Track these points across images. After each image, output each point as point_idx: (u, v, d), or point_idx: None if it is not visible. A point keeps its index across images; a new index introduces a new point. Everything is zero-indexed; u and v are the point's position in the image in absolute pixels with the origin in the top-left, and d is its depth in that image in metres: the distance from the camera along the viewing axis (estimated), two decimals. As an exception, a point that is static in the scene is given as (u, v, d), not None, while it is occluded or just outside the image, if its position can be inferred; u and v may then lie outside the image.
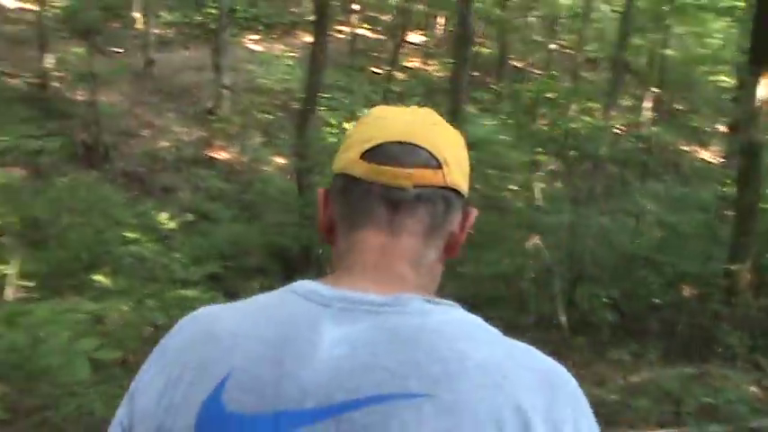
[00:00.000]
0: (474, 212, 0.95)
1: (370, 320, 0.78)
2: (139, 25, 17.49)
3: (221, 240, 10.26)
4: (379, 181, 0.87)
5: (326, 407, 0.73)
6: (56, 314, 2.49)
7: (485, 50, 20.04)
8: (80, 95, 14.00)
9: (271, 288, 0.89)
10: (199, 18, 19.34)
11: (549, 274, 8.00)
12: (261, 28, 20.12)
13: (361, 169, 0.88)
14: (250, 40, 19.46)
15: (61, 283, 5.18)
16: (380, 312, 0.79)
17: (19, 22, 16.74)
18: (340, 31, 20.92)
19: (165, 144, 13.88)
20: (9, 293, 4.59)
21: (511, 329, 0.96)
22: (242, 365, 0.78)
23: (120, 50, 17.18)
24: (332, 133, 13.84)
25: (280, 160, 13.98)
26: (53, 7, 16.82)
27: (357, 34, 19.86)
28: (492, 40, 20.85)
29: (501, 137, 9.94)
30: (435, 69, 19.95)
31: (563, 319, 7.80)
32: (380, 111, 0.96)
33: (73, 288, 5.33)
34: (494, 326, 0.84)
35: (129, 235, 6.00)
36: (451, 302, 0.84)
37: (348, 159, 0.90)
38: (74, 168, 12.31)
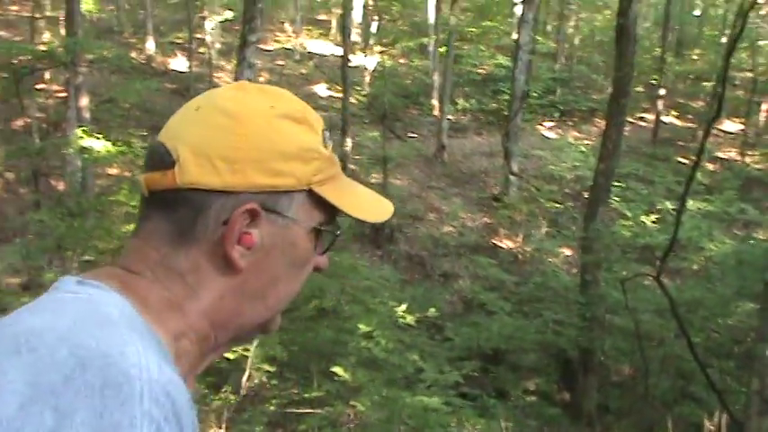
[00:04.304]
0: (240, 219, 0.73)
1: None
2: (436, 112, 17.93)
3: (495, 334, 9.63)
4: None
5: None
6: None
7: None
8: (374, 177, 14.49)
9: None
10: (494, 105, 19.40)
11: None
12: (556, 114, 19.57)
13: None
14: (544, 126, 18.98)
15: (304, 366, 4.84)
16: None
17: (329, 109, 18.08)
18: (642, 119, 19.64)
19: (449, 229, 13.73)
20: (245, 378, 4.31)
21: None
22: None
23: (416, 135, 17.71)
24: (626, 226, 12.62)
25: (567, 252, 13.04)
26: (359, 95, 17.94)
27: (662, 122, 18.41)
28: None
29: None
30: (754, 161, 17.72)
31: None
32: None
33: (318, 375, 4.97)
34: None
35: (363, 328, 5.46)
36: (102, 284, 0.71)
37: None
38: (360, 247, 12.59)
